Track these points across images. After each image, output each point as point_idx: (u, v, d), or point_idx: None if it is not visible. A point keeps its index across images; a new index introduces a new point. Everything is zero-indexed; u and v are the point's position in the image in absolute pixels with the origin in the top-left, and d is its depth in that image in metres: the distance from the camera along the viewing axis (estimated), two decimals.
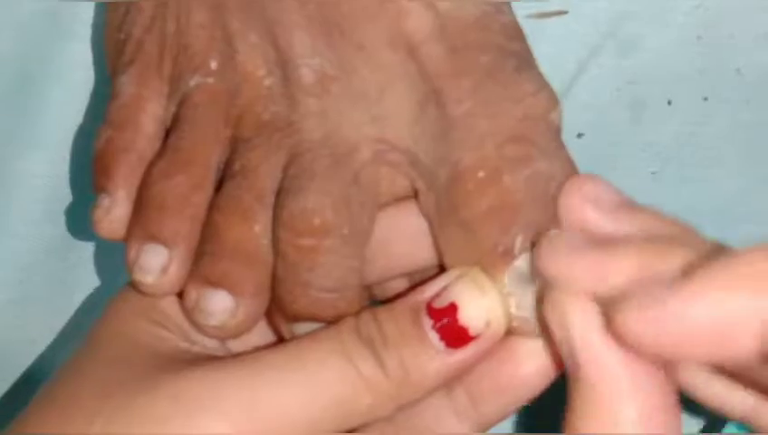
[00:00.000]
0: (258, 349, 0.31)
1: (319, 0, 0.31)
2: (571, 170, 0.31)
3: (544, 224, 0.30)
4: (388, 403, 0.29)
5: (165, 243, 0.32)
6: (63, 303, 0.41)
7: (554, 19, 0.39)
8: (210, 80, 0.32)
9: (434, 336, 0.29)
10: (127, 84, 0.33)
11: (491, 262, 0.30)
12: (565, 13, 0.39)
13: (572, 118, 0.40)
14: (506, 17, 0.32)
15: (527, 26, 0.39)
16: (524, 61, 0.32)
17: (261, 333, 0.33)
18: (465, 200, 0.31)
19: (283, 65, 0.32)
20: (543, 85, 0.31)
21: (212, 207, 0.32)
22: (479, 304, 0.29)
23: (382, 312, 0.30)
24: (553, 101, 0.31)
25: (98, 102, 0.39)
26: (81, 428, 0.29)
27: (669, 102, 0.40)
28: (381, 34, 0.31)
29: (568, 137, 0.40)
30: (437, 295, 0.30)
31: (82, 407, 0.29)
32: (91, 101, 0.40)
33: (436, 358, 0.29)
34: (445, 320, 0.29)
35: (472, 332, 0.29)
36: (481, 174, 0.30)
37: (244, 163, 0.32)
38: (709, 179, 0.40)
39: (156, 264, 0.32)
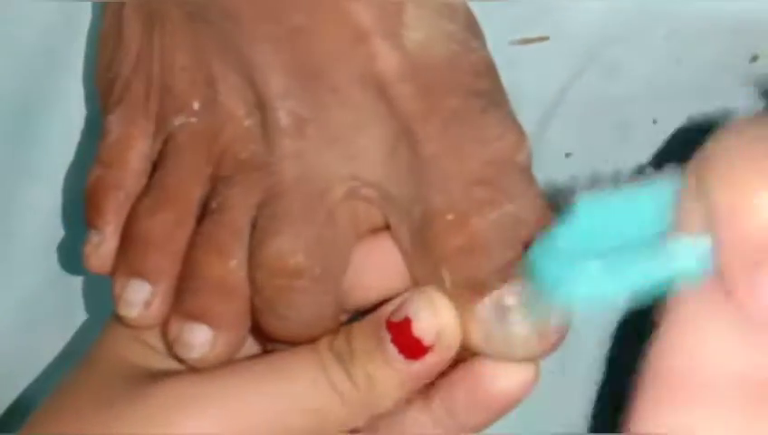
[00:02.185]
0: (243, 359, 0.33)
1: (293, 44, 0.32)
2: (542, 210, 0.32)
3: (513, 265, 0.30)
4: (361, 413, 0.31)
5: (148, 278, 0.33)
6: (67, 327, 0.41)
7: (536, 45, 0.39)
8: (193, 120, 0.34)
9: (392, 349, 0.31)
10: (115, 124, 0.35)
11: (460, 295, 0.31)
12: (547, 39, 0.40)
13: (560, 139, 0.41)
14: (476, 55, 0.32)
15: (511, 52, 0.40)
16: (492, 101, 0.32)
17: (247, 344, 0.35)
18: (435, 240, 0.32)
19: (262, 107, 0.33)
20: (510, 126, 0.32)
21: (191, 244, 0.33)
22: (430, 316, 0.30)
23: (352, 328, 0.32)
24: (520, 142, 0.32)
25: (94, 136, 0.40)
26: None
27: (654, 121, 0.41)
28: (353, 76, 0.32)
29: (556, 156, 0.41)
30: (396, 311, 0.31)
31: (81, 416, 0.32)
32: (88, 135, 0.41)
33: (397, 369, 0.31)
34: (401, 333, 0.31)
35: (425, 343, 0.30)
36: (449, 217, 0.31)
37: (221, 201, 0.33)
38: None
39: (139, 299, 0.33)
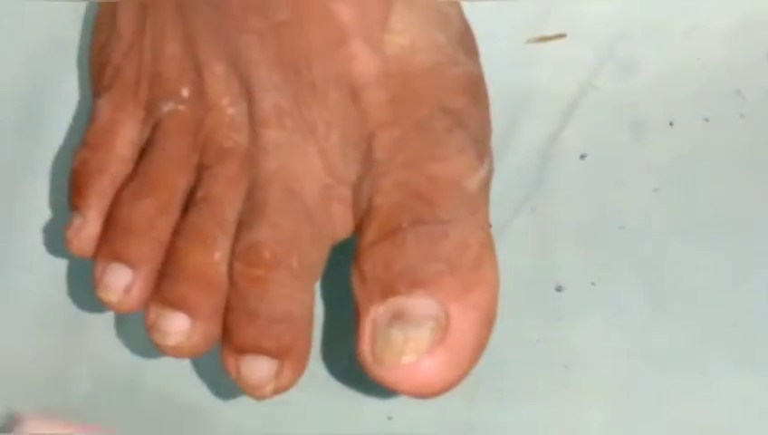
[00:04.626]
0: None
1: (277, 38, 0.32)
2: (476, 238, 0.32)
3: (427, 277, 0.31)
4: None
5: (129, 264, 0.33)
6: (70, 325, 0.41)
7: (554, 43, 0.39)
8: (181, 107, 0.34)
9: None
10: (104, 108, 0.35)
11: (371, 291, 0.31)
12: (564, 36, 0.39)
13: (575, 140, 0.41)
14: (460, 69, 0.32)
15: (528, 51, 0.39)
16: (459, 121, 0.32)
17: None
18: (363, 234, 0.32)
19: (246, 97, 0.33)
20: (467, 150, 0.32)
21: (175, 232, 0.33)
22: None
23: None
24: (472, 168, 0.32)
25: None
26: None
27: (671, 124, 0.41)
28: (331, 75, 0.32)
29: (571, 158, 0.41)
30: None
31: None
32: None
33: None
34: None
35: None
36: (382, 217, 0.32)
37: (206, 191, 0.33)
38: (710, 196, 0.40)
39: (120, 283, 0.33)
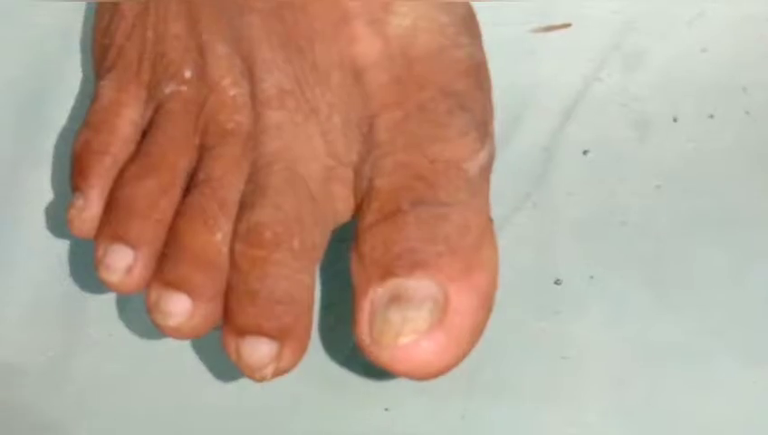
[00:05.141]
0: None
1: (280, 18, 0.32)
2: (477, 221, 0.32)
3: (426, 259, 0.30)
4: None
5: (131, 244, 0.33)
6: (73, 314, 0.41)
7: (559, 33, 0.39)
8: (184, 88, 0.34)
9: None
10: (107, 89, 0.35)
11: (371, 272, 0.31)
12: (569, 25, 0.39)
13: (578, 135, 0.40)
14: (462, 52, 0.32)
15: (532, 41, 0.39)
16: (461, 104, 0.32)
17: None
18: (364, 215, 0.32)
19: (249, 77, 0.33)
20: (469, 133, 0.32)
21: (177, 213, 0.33)
22: None
23: None
24: (474, 150, 0.32)
25: None
26: None
27: (675, 120, 0.40)
28: (333, 56, 0.32)
29: (574, 153, 0.40)
30: None
31: None
32: None
33: None
34: None
35: None
36: (384, 198, 0.32)
37: (208, 172, 0.33)
38: (713, 193, 0.40)
39: (121, 264, 0.33)
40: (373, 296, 0.31)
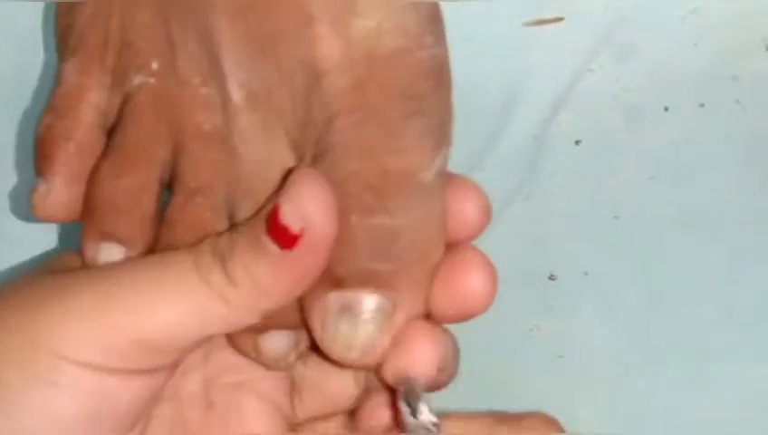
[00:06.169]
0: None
1: (245, 17, 0.32)
2: (428, 231, 0.31)
3: (377, 277, 0.31)
4: (245, 310, 0.31)
5: (121, 241, 0.33)
6: None
7: (551, 26, 0.39)
8: (152, 80, 0.33)
9: (266, 239, 0.30)
10: (70, 72, 0.34)
11: (320, 282, 0.31)
12: (562, 19, 0.39)
13: (570, 125, 0.40)
14: (426, 53, 0.31)
15: (524, 34, 0.39)
16: (420, 108, 0.31)
17: None
18: None
19: (217, 77, 0.32)
20: (425, 141, 0.31)
21: (172, 221, 0.33)
22: (293, 204, 0.30)
23: (237, 226, 0.31)
24: (429, 160, 0.31)
25: None
26: None
27: (666, 109, 0.40)
28: (295, 58, 0.31)
29: (566, 144, 0.40)
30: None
31: None
32: None
33: (271, 260, 0.30)
34: (272, 222, 0.30)
35: (292, 231, 0.30)
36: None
37: (197, 179, 0.33)
38: (705, 184, 0.40)
39: (114, 260, 0.33)
40: (324, 302, 0.31)
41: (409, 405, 0.31)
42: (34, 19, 0.40)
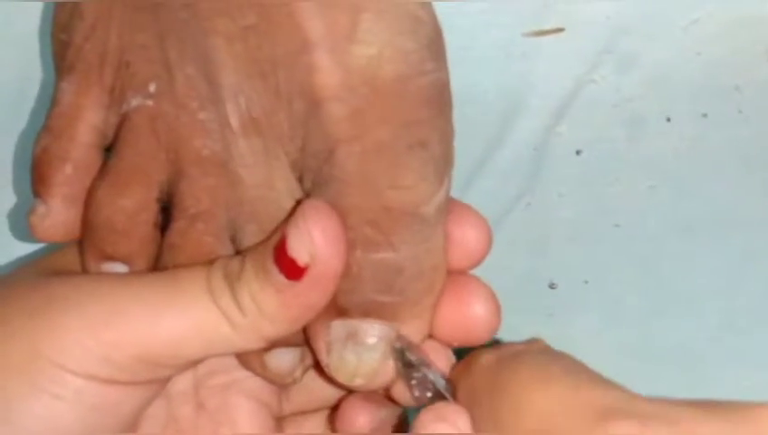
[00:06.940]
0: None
1: (244, 42, 0.31)
2: (431, 263, 0.32)
3: (381, 308, 0.31)
4: (251, 335, 0.31)
5: (123, 260, 0.33)
6: None
7: (552, 36, 0.39)
8: (149, 102, 0.33)
9: (273, 268, 0.30)
10: (67, 92, 0.34)
11: (326, 312, 0.31)
12: (562, 30, 0.39)
13: (571, 135, 0.40)
14: (427, 79, 0.31)
15: (525, 44, 0.39)
16: (421, 139, 0.31)
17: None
18: None
19: (216, 102, 0.32)
20: (427, 174, 0.31)
21: (173, 246, 0.33)
22: (301, 236, 0.30)
23: (248, 250, 0.32)
24: (430, 193, 0.31)
25: None
26: None
27: (668, 119, 0.40)
28: (294, 84, 0.31)
29: (567, 154, 0.40)
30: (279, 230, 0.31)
31: None
32: None
33: (277, 289, 0.30)
34: (280, 252, 0.30)
35: (300, 263, 0.30)
36: None
37: (197, 204, 0.33)
38: (706, 193, 0.40)
39: None
40: (329, 330, 0.31)
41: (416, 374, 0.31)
42: (33, 38, 0.40)
